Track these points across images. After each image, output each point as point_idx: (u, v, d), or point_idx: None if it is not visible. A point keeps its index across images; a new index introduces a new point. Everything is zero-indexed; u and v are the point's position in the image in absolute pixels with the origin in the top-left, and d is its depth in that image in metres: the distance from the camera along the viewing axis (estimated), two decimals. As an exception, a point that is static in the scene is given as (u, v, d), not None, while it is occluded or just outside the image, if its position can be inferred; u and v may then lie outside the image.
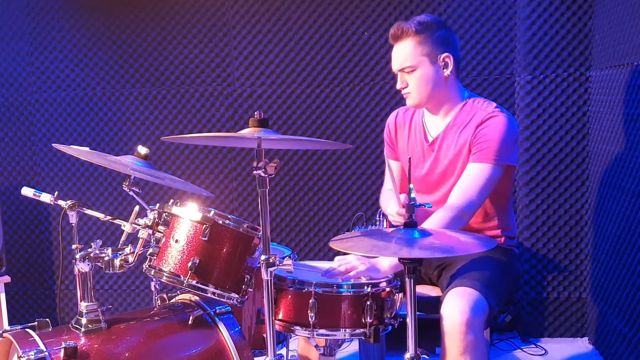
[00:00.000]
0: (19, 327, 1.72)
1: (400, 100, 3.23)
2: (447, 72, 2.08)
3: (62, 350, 1.58)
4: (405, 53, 2.06)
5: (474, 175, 2.03)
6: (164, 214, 1.77)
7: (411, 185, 1.68)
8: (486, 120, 2.05)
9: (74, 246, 1.82)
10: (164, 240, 1.76)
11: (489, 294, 1.85)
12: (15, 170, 3.51)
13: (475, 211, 2.05)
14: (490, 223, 2.17)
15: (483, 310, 1.81)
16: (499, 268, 2.05)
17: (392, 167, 2.36)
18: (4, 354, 1.78)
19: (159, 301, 1.91)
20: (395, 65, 2.10)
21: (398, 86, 2.13)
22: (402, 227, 1.65)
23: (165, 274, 1.72)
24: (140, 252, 1.79)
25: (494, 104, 2.11)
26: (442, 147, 2.14)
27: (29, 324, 1.72)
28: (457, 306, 1.79)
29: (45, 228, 3.54)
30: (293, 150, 3.32)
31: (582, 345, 3.10)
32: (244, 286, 1.77)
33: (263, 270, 1.66)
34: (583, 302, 3.14)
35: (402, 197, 2.02)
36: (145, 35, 3.36)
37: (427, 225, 1.99)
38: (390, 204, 2.17)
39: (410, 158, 1.74)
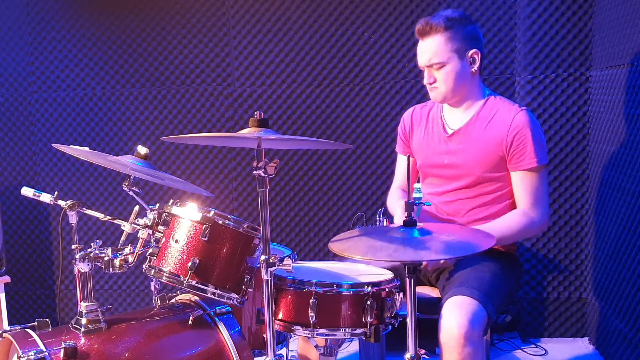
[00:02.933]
0: (19, 327, 1.72)
1: (400, 100, 3.23)
2: (474, 68, 2.09)
3: (62, 351, 1.58)
4: (435, 49, 2.05)
5: (532, 183, 2.08)
6: (164, 214, 1.77)
7: (416, 185, 1.69)
8: (515, 120, 2.06)
9: (74, 246, 1.82)
10: (163, 240, 1.75)
11: (487, 303, 1.85)
12: (15, 170, 3.51)
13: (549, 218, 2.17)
14: None
15: (481, 322, 1.81)
16: (499, 272, 2.04)
17: (402, 163, 2.39)
18: (4, 354, 1.77)
19: (159, 301, 1.91)
20: (423, 61, 2.10)
21: (425, 81, 2.13)
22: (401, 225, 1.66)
23: (165, 274, 1.72)
24: (140, 252, 1.79)
25: (516, 104, 2.15)
26: (465, 139, 2.14)
27: (29, 324, 1.72)
28: (454, 319, 1.79)
29: (45, 228, 3.54)
30: (293, 150, 3.31)
31: (582, 345, 3.10)
32: (244, 286, 1.76)
33: (263, 270, 1.66)
34: (583, 302, 3.13)
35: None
36: (145, 35, 3.36)
37: (499, 224, 2.06)
38: (397, 211, 2.17)
39: (409, 157, 1.75)
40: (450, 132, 2.19)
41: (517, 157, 2.07)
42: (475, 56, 2.08)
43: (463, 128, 2.16)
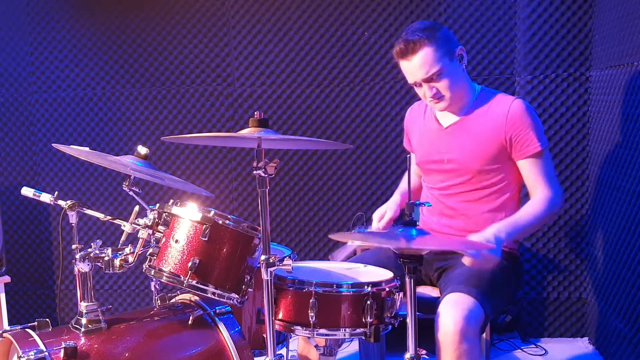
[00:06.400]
0: (19, 327, 1.72)
1: (400, 100, 3.23)
2: (464, 64, 2.10)
3: (62, 351, 1.58)
4: (428, 60, 2.01)
5: (541, 166, 2.08)
6: (164, 214, 1.77)
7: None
8: (511, 110, 2.06)
9: (74, 246, 1.82)
10: (164, 240, 1.76)
11: (485, 301, 1.85)
12: (15, 170, 3.51)
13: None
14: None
15: (477, 319, 1.81)
16: (498, 271, 2.03)
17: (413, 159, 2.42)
18: (4, 354, 1.78)
19: (159, 301, 1.91)
20: (420, 76, 2.04)
21: (429, 96, 2.07)
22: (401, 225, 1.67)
23: (165, 274, 1.72)
24: (140, 252, 1.79)
25: (508, 94, 2.16)
26: (462, 134, 2.15)
27: (29, 324, 1.73)
28: (450, 315, 1.79)
29: (45, 228, 3.54)
30: (293, 150, 3.31)
31: (582, 345, 3.10)
32: (244, 286, 1.77)
33: (263, 270, 1.66)
34: (583, 302, 3.14)
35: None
36: (145, 35, 3.36)
37: (523, 216, 2.04)
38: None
39: (409, 157, 1.75)
40: (446, 125, 2.19)
41: (520, 145, 2.07)
42: (462, 53, 2.09)
43: (458, 123, 2.16)
